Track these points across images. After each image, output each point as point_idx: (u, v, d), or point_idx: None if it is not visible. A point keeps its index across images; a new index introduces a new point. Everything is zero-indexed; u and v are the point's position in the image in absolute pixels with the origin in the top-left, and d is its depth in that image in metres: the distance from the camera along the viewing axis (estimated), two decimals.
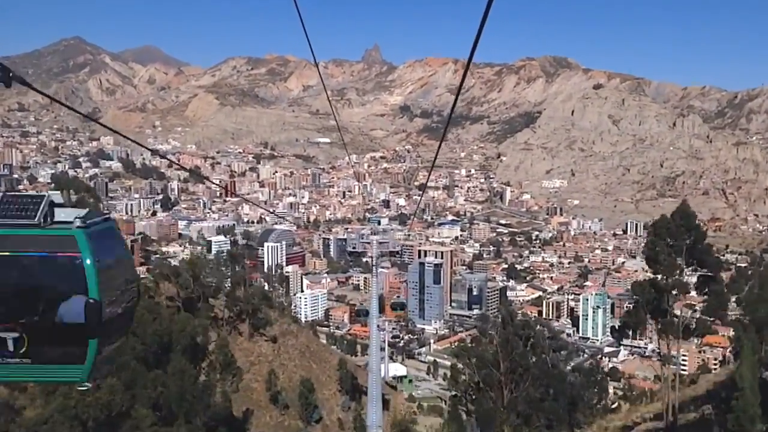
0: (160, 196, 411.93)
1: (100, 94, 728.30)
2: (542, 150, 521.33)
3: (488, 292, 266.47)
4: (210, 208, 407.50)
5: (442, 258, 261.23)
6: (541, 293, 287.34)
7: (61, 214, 6.35)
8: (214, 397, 37.45)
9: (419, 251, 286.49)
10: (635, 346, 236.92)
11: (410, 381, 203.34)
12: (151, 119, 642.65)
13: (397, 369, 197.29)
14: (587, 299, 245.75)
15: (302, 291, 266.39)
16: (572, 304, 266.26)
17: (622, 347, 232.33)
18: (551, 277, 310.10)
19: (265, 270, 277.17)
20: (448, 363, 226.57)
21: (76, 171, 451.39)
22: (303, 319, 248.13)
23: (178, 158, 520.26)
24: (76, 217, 6.30)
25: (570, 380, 60.04)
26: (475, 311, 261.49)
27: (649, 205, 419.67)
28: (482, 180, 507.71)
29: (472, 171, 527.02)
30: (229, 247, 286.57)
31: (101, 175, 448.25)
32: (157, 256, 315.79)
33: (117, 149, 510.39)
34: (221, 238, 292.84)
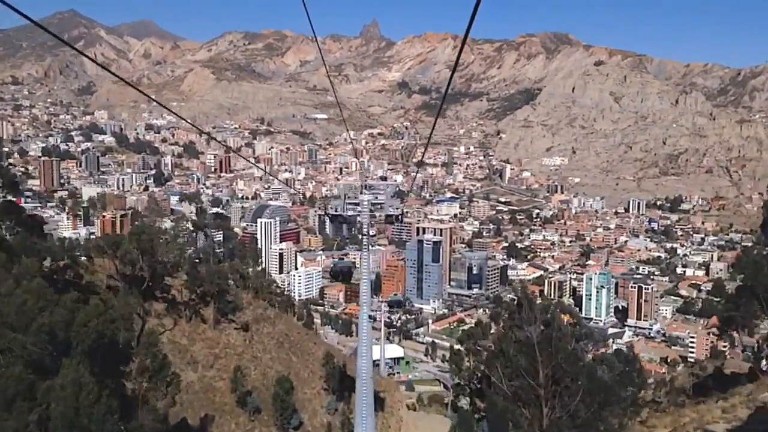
0: (153, 171, 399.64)
1: (94, 68, 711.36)
2: (542, 127, 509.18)
3: (488, 271, 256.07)
4: (204, 184, 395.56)
5: (441, 236, 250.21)
6: (542, 272, 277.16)
7: None
8: (139, 414, 26.37)
9: (417, 228, 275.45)
10: (639, 327, 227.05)
11: (407, 363, 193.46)
12: (146, 93, 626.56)
13: (394, 350, 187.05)
14: (590, 278, 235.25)
15: (296, 269, 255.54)
16: (575, 283, 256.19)
17: (626, 328, 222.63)
18: (552, 256, 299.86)
19: (259, 246, 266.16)
20: (447, 344, 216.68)
21: (67, 145, 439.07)
22: (297, 298, 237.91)
23: (172, 133, 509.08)
24: None
25: (602, 377, 49.28)
26: (475, 290, 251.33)
27: (651, 184, 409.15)
28: (481, 157, 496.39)
29: (471, 148, 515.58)
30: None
31: (93, 149, 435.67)
32: None
33: (110, 123, 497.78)
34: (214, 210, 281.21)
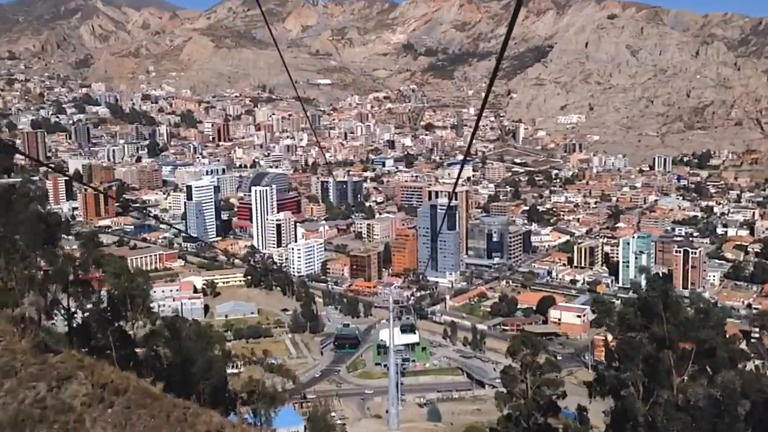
0: (147, 142, 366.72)
1: (92, 41, 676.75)
2: (555, 85, 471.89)
3: (510, 238, 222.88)
4: (201, 153, 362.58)
5: (456, 199, 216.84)
6: (569, 237, 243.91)
7: None
8: None
9: (429, 192, 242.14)
10: (684, 297, 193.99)
11: (424, 349, 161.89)
12: (145, 64, 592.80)
13: (408, 335, 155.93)
14: (628, 243, 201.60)
15: (296, 241, 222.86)
16: (607, 249, 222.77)
17: None
18: (578, 219, 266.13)
19: (254, 219, 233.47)
20: (468, 323, 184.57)
21: (59, 117, 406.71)
22: (296, 274, 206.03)
23: (170, 103, 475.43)
24: None
25: None
26: (496, 260, 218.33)
27: (677, 139, 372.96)
28: (492, 118, 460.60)
29: None
30: (212, 193, 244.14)
31: (87, 120, 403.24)
32: (136, 205, 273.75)
33: (105, 95, 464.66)
34: (204, 183, 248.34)
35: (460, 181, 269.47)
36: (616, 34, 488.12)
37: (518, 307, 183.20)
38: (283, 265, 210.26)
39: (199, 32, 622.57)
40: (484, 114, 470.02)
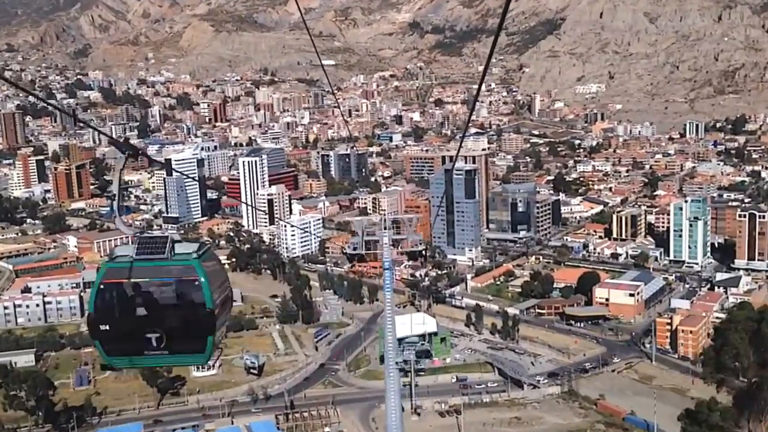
0: (137, 124, 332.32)
1: (92, 31, 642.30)
2: (570, 56, 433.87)
3: (538, 209, 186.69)
4: (195, 134, 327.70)
5: (474, 163, 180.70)
6: (602, 207, 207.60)
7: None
8: None
9: (443, 158, 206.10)
10: (754, 270, 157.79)
11: (443, 340, 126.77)
12: (144, 52, 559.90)
13: (424, 323, 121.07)
14: (680, 208, 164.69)
15: (287, 213, 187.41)
16: (651, 218, 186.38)
17: (741, 273, 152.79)
18: (610, 188, 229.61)
19: (243, 194, 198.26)
20: (496, 307, 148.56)
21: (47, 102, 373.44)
22: (288, 255, 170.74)
23: (167, 87, 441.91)
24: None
25: None
26: (522, 233, 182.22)
27: (707, 104, 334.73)
28: (504, 93, 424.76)
29: (492, 85, 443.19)
30: (196, 167, 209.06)
31: (76, 105, 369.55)
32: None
33: (99, 80, 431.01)
34: (185, 155, 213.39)
35: (478, 149, 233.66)
36: (633, 2, 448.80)
37: (554, 286, 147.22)
38: (275, 244, 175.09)
39: (199, 18, 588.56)
40: (495, 89, 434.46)
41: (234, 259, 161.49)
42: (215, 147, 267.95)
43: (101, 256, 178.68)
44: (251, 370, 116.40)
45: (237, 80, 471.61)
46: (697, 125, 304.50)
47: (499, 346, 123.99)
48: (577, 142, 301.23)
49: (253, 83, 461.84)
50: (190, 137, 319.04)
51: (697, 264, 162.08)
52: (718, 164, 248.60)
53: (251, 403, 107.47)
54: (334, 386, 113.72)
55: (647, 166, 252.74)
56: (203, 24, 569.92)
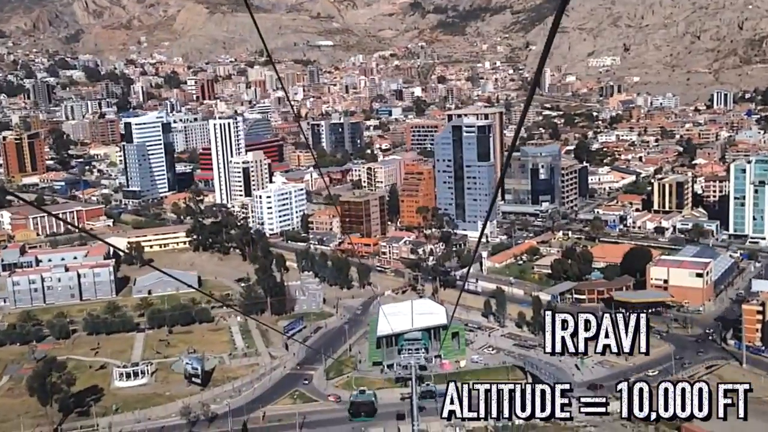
0: (116, 100, 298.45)
1: (86, 17, 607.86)
2: (580, 32, 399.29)
3: (562, 178, 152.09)
4: (179, 110, 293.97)
5: (487, 119, 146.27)
6: (634, 176, 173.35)
7: None
8: None
9: (449, 116, 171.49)
10: None
11: (455, 335, 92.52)
12: (137, 36, 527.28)
13: (431, 312, 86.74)
14: (742, 170, 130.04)
15: (267, 185, 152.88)
16: (697, 187, 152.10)
17: None
18: (640, 158, 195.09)
19: (214, 163, 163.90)
20: (521, 293, 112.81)
21: (23, 81, 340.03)
22: (268, 232, 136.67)
23: (156, 67, 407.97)
24: None
25: None
26: (545, 205, 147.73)
27: (733, 75, 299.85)
28: (511, 71, 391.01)
29: (498, 63, 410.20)
30: (160, 133, 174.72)
31: (58, 84, 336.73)
32: (80, 160, 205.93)
33: (84, 59, 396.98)
34: (147, 119, 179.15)
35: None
36: None
37: (593, 266, 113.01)
38: (247, 219, 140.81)
39: (194, 0, 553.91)
40: (501, 68, 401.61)
41: (196, 236, 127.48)
42: (195, 119, 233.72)
43: (37, 235, 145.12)
44: (193, 379, 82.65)
45: (231, 61, 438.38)
46: (725, 95, 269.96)
47: (529, 343, 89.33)
48: (594, 113, 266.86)
49: (247, 64, 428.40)
50: (172, 113, 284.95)
51: (764, 238, 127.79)
52: (758, 132, 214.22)
53: (186, 427, 73.73)
54: (305, 401, 79.81)
55: (678, 136, 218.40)
56: (198, 6, 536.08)
